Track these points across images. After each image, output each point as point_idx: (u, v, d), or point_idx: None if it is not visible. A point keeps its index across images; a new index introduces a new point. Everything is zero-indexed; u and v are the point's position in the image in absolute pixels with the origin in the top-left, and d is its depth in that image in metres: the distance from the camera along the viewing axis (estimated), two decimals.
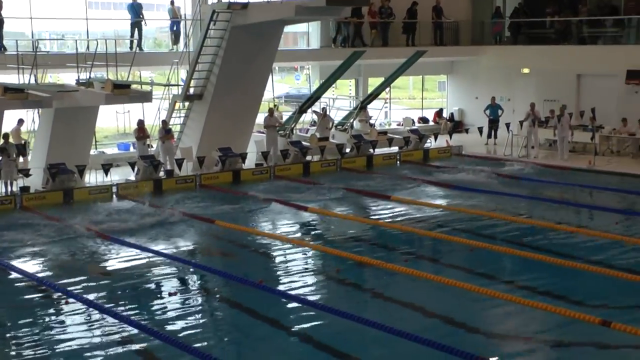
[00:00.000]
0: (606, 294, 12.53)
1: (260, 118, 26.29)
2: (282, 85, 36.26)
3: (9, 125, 21.53)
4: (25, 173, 20.73)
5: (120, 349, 10.57)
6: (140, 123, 23.32)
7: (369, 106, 30.56)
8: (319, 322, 11.48)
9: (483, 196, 20.42)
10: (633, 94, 28.51)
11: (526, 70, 31.59)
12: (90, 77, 21.00)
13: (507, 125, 27.91)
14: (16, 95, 19.12)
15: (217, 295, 12.93)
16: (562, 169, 25.04)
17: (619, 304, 12.10)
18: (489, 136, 29.54)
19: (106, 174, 21.83)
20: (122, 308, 12.14)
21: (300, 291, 12.95)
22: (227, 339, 11.30)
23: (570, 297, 12.32)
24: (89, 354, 10.48)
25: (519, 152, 27.38)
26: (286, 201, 20.11)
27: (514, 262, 14.45)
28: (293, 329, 11.30)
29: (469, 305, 12.13)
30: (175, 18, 26.72)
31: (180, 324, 11.51)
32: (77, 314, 11.99)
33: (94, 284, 13.49)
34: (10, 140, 20.75)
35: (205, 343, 10.73)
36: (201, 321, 11.80)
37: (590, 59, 29.73)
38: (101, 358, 10.32)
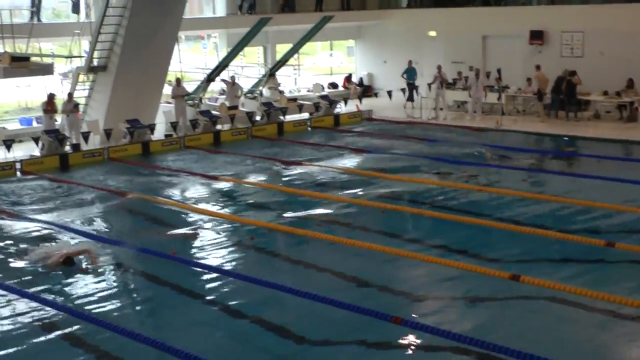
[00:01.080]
0: (515, 250, 12.78)
1: (168, 89, 25.86)
2: (189, 54, 35.64)
3: None
4: None
5: (34, 330, 10.25)
6: (51, 96, 22.52)
7: (277, 73, 30.38)
8: (235, 291, 11.38)
9: (393, 158, 20.55)
10: (537, 54, 29.09)
11: (433, 33, 31.85)
12: None
13: (416, 88, 28.14)
14: None
15: (131, 269, 12.65)
16: (471, 129, 25.42)
17: (527, 258, 12.36)
18: (408, 99, 29.55)
19: (8, 150, 21.14)
20: (35, 288, 11.74)
21: (215, 261, 12.82)
22: (144, 311, 11.10)
23: (482, 255, 12.53)
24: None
25: (428, 115, 27.67)
26: (197, 172, 19.87)
27: (425, 223, 14.61)
28: (209, 299, 11.17)
29: (383, 267, 12.22)
30: None
31: (94, 299, 11.23)
32: None
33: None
34: None
35: (122, 316, 10.51)
36: (116, 295, 11.52)
37: (495, 21, 30.20)
38: (12, 337, 10.01)
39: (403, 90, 29.06)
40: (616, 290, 10.49)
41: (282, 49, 32.19)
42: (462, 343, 9.00)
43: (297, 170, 19.84)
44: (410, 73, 29.42)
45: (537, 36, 28.88)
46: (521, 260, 12.22)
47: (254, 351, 9.48)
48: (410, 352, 9.27)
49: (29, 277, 12.21)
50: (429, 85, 28.27)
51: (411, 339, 9.48)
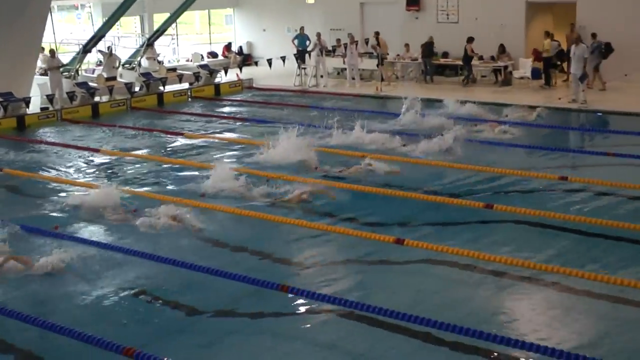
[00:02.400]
0: (398, 214, 13.01)
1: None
2: (63, 25, 34.47)
3: None
4: None
5: None
6: None
7: (156, 43, 29.79)
8: (120, 266, 11.14)
9: (276, 127, 20.54)
10: (413, 20, 29.56)
11: (311, 1, 31.85)
12: None
13: (283, 57, 28.09)
14: None
15: (11, 249, 12.18)
16: (351, 95, 25.67)
17: (410, 222, 12.62)
18: (300, 67, 29.33)
19: None
20: None
21: (98, 237, 12.52)
22: (24, 292, 10.75)
23: (368, 220, 12.71)
24: None
25: (308, 82, 27.76)
26: (76, 145, 19.36)
27: None
28: (95, 276, 10.89)
29: (273, 236, 12.21)
30: None
31: None
32: None
33: None
34: None
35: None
36: None
37: None
38: None
39: (269, 61, 28.83)
40: (496, 251, 10.87)
41: (159, 18, 31.54)
42: (348, 307, 9.15)
43: (179, 141, 19.59)
44: (301, 39, 29.06)
45: (413, 3, 29.33)
46: (404, 224, 12.47)
47: (141, 324, 9.32)
48: (299, 319, 9.35)
49: None
50: (309, 52, 28.32)
51: (299, 306, 9.56)
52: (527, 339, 8.15)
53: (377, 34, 28.07)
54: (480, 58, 27.16)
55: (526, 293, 9.75)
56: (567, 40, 25.81)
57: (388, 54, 27.86)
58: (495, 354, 8.05)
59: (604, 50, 24.27)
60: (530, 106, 21.46)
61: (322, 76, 27.86)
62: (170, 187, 15.16)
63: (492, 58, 27.14)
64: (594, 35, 24.77)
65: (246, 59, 33.34)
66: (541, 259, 10.53)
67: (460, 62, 27.68)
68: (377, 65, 27.82)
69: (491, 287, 10.00)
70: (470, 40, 26.42)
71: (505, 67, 26.99)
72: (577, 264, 10.18)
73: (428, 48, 27.50)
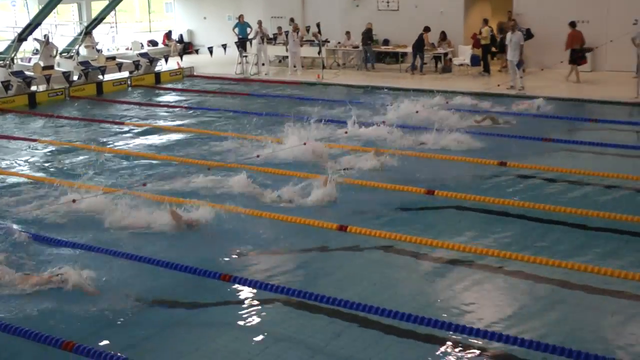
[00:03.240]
0: (344, 202, 12.96)
1: None
2: None
3: None
4: None
5: None
6: None
7: (94, 31, 29.29)
8: (55, 254, 10.91)
9: (217, 115, 20.43)
10: (354, 8, 29.60)
11: None
12: None
13: (224, 45, 27.91)
14: None
15: None
16: (293, 83, 25.63)
17: (355, 210, 12.59)
18: (241, 55, 29.12)
19: None
20: None
21: (34, 223, 12.24)
22: None
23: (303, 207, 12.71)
24: None
25: (250, 70, 27.64)
26: (13, 135, 18.97)
27: (257, 178, 14.45)
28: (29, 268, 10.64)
29: (213, 224, 12.06)
30: None
31: None
32: None
33: None
34: None
35: None
36: None
37: None
38: None
39: (210, 49, 28.56)
40: (441, 236, 10.95)
41: (98, 6, 31.04)
42: (291, 296, 9.13)
43: (119, 129, 19.34)
44: (241, 27, 28.78)
45: None
46: (349, 212, 12.45)
47: (77, 319, 9.13)
48: (242, 307, 9.29)
49: None
50: (250, 40, 28.17)
51: (243, 294, 9.52)
52: (484, 327, 8.17)
53: (317, 25, 28.07)
54: (433, 45, 27.28)
55: (470, 279, 9.81)
56: (504, 28, 26.12)
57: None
58: (450, 342, 8.04)
59: (525, 36, 24.82)
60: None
61: (263, 64, 27.75)
62: (110, 177, 14.91)
63: (432, 45, 27.33)
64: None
65: (187, 47, 33.07)
66: (488, 245, 10.60)
67: (401, 50, 27.83)
68: (318, 53, 27.80)
69: (439, 274, 10.03)
70: (427, 29, 26.46)
71: (446, 55, 27.21)
72: (528, 250, 10.26)
73: (367, 35, 27.60)
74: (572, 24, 24.29)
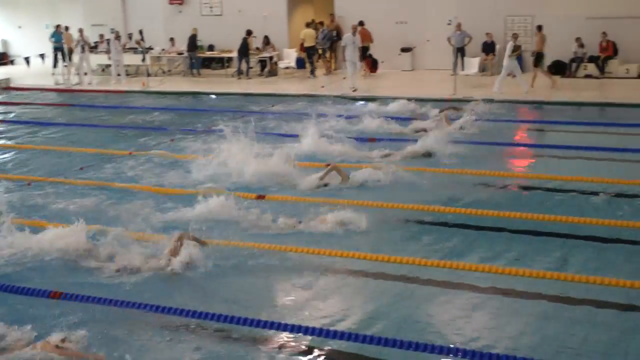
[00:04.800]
0: None
1: None
2: None
3: None
4: None
5: None
6: None
7: None
8: None
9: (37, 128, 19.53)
10: (177, 14, 29.24)
11: None
12: None
13: (42, 55, 26.87)
14: None
15: None
16: (118, 92, 24.95)
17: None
18: (55, 65, 27.98)
19: None
20: None
21: None
22: None
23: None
24: None
25: (71, 80, 26.69)
26: None
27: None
28: None
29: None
30: None
31: None
32: None
33: None
34: None
35: None
36: None
37: None
38: None
39: (26, 59, 27.42)
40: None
41: None
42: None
43: None
44: (57, 36, 27.62)
45: None
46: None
47: None
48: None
49: None
50: (70, 49, 27.21)
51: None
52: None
53: (140, 32, 27.44)
54: (257, 49, 27.26)
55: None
56: (328, 30, 26.57)
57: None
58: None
59: (335, 37, 25.51)
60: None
61: (86, 73, 26.85)
62: None
63: (258, 49, 27.37)
64: (322, 24, 26.06)
65: (2, 57, 31.52)
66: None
67: (226, 55, 27.72)
68: (142, 60, 27.23)
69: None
70: (249, 32, 26.31)
71: (271, 58, 27.32)
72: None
73: (191, 41, 27.29)
74: (360, 23, 25.27)
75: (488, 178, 13.19)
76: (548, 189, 12.48)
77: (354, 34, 23.26)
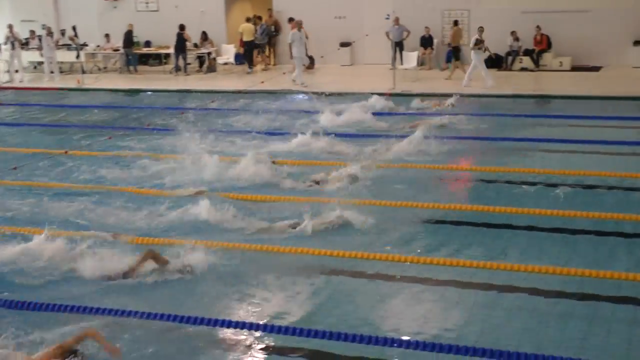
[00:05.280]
0: None
1: None
2: None
3: None
4: None
5: None
6: None
7: None
8: None
9: None
10: (112, 9, 28.74)
11: None
12: None
13: None
14: None
15: None
16: (51, 89, 24.39)
17: None
18: None
19: None
20: None
21: None
22: None
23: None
24: None
25: (2, 78, 26.00)
26: None
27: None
28: None
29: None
30: None
31: None
32: None
33: None
34: None
35: None
36: None
37: None
38: None
39: None
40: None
41: None
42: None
43: None
44: None
45: None
46: None
47: None
48: None
49: None
50: None
51: None
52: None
53: (73, 28, 26.85)
54: (195, 45, 26.89)
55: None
56: (267, 25, 26.42)
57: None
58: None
59: (274, 33, 25.45)
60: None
61: (17, 71, 26.16)
62: None
63: (195, 45, 27.04)
64: (260, 18, 25.97)
65: None
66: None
67: (163, 51, 27.33)
68: (77, 57, 26.69)
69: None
70: (182, 27, 25.80)
71: (209, 54, 27.03)
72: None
73: (127, 37, 26.80)
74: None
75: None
76: (489, 181, 12.60)
77: (299, 30, 23.10)
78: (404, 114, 18.52)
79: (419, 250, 9.58)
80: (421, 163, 13.63)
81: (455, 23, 24.12)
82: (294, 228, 10.27)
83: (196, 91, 22.77)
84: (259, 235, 10.18)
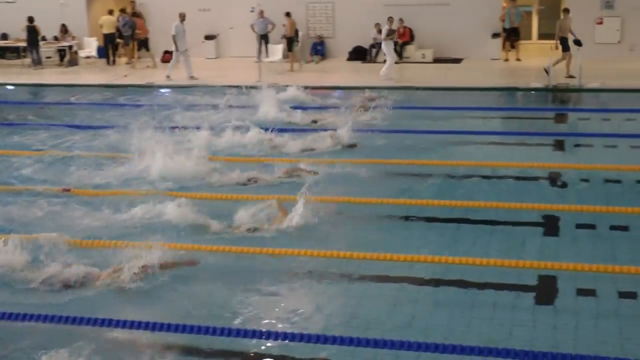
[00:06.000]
0: None
1: None
2: None
3: None
4: None
5: None
6: None
7: None
8: None
9: None
10: None
11: None
12: None
13: None
14: None
15: None
16: None
17: None
18: None
19: None
20: None
21: None
22: None
23: None
24: None
25: None
26: None
27: None
28: None
29: None
30: None
31: None
32: None
33: None
34: None
35: None
36: None
37: None
38: None
39: None
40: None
41: None
42: None
43: None
44: None
45: None
46: None
47: None
48: None
49: None
50: None
51: None
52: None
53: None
54: (43, 39, 26.05)
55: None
56: (130, 17, 25.91)
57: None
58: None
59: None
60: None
61: None
62: None
63: (56, 38, 26.24)
64: (123, 11, 25.52)
65: None
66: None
67: (22, 44, 26.36)
68: None
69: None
70: (31, 20, 24.83)
71: (70, 47, 26.28)
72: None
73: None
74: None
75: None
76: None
77: (182, 21, 22.48)
78: None
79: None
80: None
81: (288, 15, 24.05)
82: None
83: (55, 85, 22.08)
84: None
